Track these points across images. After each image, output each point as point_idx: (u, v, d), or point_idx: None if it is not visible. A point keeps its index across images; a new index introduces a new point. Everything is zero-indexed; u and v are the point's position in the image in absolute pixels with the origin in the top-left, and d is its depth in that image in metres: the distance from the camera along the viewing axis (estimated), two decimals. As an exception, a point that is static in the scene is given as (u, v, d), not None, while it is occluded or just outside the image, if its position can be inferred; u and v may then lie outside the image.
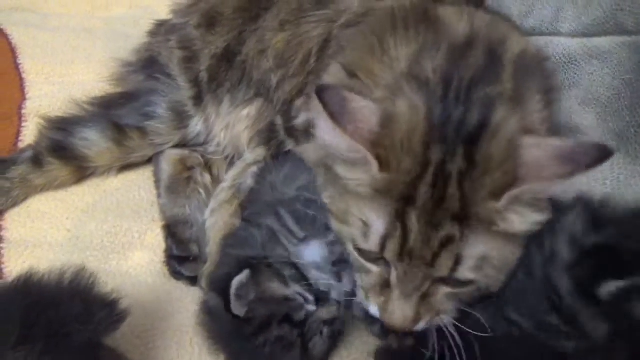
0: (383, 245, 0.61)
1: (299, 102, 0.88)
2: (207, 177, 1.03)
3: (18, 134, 1.03)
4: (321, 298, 0.73)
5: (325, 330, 0.72)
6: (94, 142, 0.95)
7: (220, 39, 0.99)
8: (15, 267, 0.84)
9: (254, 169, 0.93)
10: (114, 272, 0.86)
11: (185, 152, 1.03)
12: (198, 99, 1.00)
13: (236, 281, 0.69)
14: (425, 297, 0.63)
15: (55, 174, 0.95)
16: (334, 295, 0.73)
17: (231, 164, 1.05)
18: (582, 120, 0.82)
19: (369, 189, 0.60)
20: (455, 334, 0.63)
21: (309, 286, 0.73)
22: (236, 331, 0.70)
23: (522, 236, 0.61)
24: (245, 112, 0.98)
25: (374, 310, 0.67)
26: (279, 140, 0.92)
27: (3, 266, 0.84)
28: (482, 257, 0.59)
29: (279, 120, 0.92)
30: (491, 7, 0.94)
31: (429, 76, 0.63)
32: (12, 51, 1.20)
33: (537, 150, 0.56)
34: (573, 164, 0.54)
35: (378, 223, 0.61)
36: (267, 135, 0.94)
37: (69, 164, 0.95)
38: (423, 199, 0.58)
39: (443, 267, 0.59)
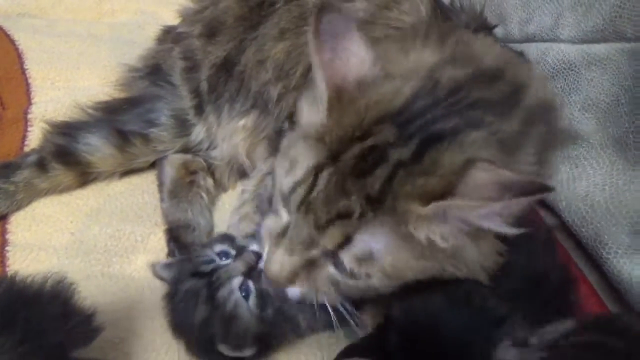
0: (294, 190, 0.60)
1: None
2: (210, 182, 1.04)
3: (24, 138, 1.04)
4: (240, 252, 0.73)
5: (250, 286, 0.70)
6: (97, 147, 0.96)
7: (220, 48, 1.00)
8: (20, 270, 0.83)
9: (269, 179, 0.92)
10: (117, 275, 0.87)
11: (188, 156, 1.04)
12: (199, 109, 1.01)
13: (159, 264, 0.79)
14: (309, 266, 0.61)
15: (59, 178, 0.95)
16: (253, 247, 0.73)
17: (235, 171, 1.06)
18: (583, 126, 0.83)
19: (314, 131, 0.60)
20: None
21: (232, 242, 0.75)
22: (165, 296, 0.75)
23: (428, 254, 0.58)
24: (241, 123, 0.99)
25: (264, 256, 0.66)
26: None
27: (8, 269, 0.85)
28: (371, 252, 0.57)
29: (286, 126, 0.92)
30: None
31: (441, 80, 0.62)
32: (19, 56, 1.21)
33: (483, 173, 0.53)
34: (505, 191, 0.51)
35: (300, 166, 0.60)
36: (276, 144, 0.93)
37: (72, 169, 0.96)
38: (345, 161, 0.57)
39: (330, 238, 0.58)
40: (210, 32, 1.02)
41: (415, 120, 0.58)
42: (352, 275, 0.59)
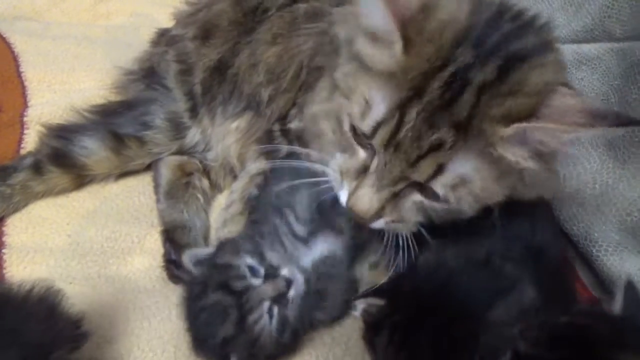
0: (375, 130, 0.59)
1: (293, 111, 0.90)
2: (206, 183, 1.05)
3: (20, 141, 1.04)
4: (271, 274, 0.72)
5: (275, 310, 0.71)
6: (92, 150, 0.97)
7: (214, 51, 1.00)
8: (16, 272, 0.85)
9: (259, 179, 0.93)
10: (114, 276, 0.87)
11: (184, 158, 1.05)
12: (194, 112, 1.02)
13: (196, 250, 0.76)
14: (395, 197, 0.62)
15: (55, 181, 0.96)
16: (284, 272, 0.73)
17: (229, 172, 1.07)
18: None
19: (386, 69, 0.58)
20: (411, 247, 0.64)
21: (262, 259, 0.73)
22: (187, 297, 0.73)
23: (511, 177, 0.59)
24: (234, 125, 1.00)
25: (343, 196, 0.65)
26: (277, 147, 0.92)
27: (5, 271, 0.85)
28: (463, 177, 0.58)
29: (276, 127, 0.93)
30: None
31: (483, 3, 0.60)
32: (15, 59, 1.22)
33: (567, 98, 0.55)
34: (594, 119, 0.52)
35: (379, 106, 0.59)
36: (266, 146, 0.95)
37: (68, 171, 0.96)
38: (431, 95, 0.56)
39: (423, 171, 0.58)
40: (204, 35, 1.03)
41: (488, 37, 0.57)
42: (444, 200, 0.60)
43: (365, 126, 0.60)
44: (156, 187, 1.03)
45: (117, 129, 0.98)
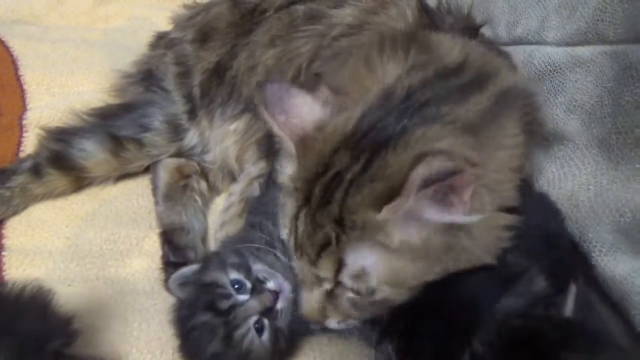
0: (288, 239, 0.64)
1: None
2: (204, 185, 1.06)
3: (19, 144, 1.05)
4: (257, 288, 0.73)
5: (265, 323, 0.72)
6: (91, 153, 0.97)
7: (213, 54, 1.01)
8: (16, 275, 0.86)
9: (258, 182, 0.95)
10: (112, 278, 0.88)
11: (182, 160, 1.06)
12: (192, 114, 1.03)
13: (181, 270, 0.76)
14: (331, 297, 0.63)
15: (54, 183, 0.97)
16: (270, 285, 0.73)
17: (227, 174, 1.08)
18: (568, 127, 0.84)
19: (291, 184, 0.64)
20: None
21: (248, 273, 0.74)
22: (177, 317, 0.75)
23: (420, 255, 0.58)
24: (233, 126, 1.00)
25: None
26: (278, 151, 0.92)
27: (4, 273, 0.86)
28: (364, 268, 0.58)
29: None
30: (485, 37, 0.96)
31: (396, 91, 0.63)
32: (14, 63, 1.22)
33: (424, 169, 0.51)
34: (415, 189, 0.51)
35: (287, 218, 0.64)
36: (266, 148, 0.95)
37: (67, 174, 0.97)
38: (315, 199, 0.59)
39: (325, 268, 0.60)
40: (203, 38, 1.03)
41: (367, 136, 0.59)
42: (359, 293, 0.60)
43: (284, 236, 0.66)
44: (154, 189, 1.03)
45: (116, 132, 0.99)
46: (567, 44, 0.86)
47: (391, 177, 0.55)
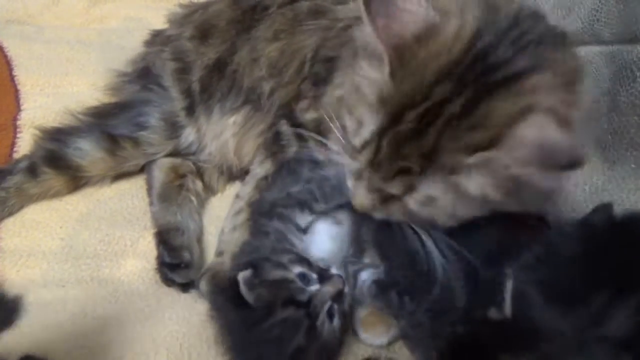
0: (363, 148, 0.64)
1: (303, 104, 0.90)
2: (199, 185, 1.05)
3: (13, 145, 1.05)
4: (324, 275, 0.74)
5: (335, 308, 0.73)
6: (87, 151, 0.97)
7: (213, 50, 1.01)
8: (10, 276, 0.85)
9: (265, 183, 0.93)
10: (107, 279, 0.87)
11: (177, 159, 1.05)
12: (190, 110, 1.02)
13: (243, 274, 0.72)
14: (386, 202, 0.66)
15: (49, 183, 0.96)
16: (334, 270, 0.75)
17: (223, 173, 1.07)
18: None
19: (375, 93, 0.61)
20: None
21: (310, 265, 0.74)
22: (244, 322, 0.72)
23: (488, 197, 0.59)
24: (232, 119, 1.00)
25: (350, 185, 0.70)
26: (285, 149, 0.92)
27: (-2, 274, 0.85)
28: (432, 197, 0.61)
29: (283, 127, 0.93)
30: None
31: (500, 5, 0.61)
32: (8, 63, 1.22)
33: (532, 129, 0.53)
34: (542, 158, 0.52)
35: (366, 129, 0.63)
36: (272, 147, 0.95)
37: (63, 173, 0.97)
38: (405, 125, 0.58)
39: (396, 188, 0.62)
40: (203, 34, 1.03)
41: (473, 67, 0.57)
42: (418, 213, 0.64)
43: (357, 143, 0.64)
44: (149, 189, 1.03)
45: (112, 130, 0.98)
46: (563, 45, 0.86)
47: (493, 125, 0.55)
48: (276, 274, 0.74)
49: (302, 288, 0.72)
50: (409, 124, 0.58)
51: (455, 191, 0.59)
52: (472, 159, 0.55)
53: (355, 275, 0.79)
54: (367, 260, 0.79)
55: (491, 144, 0.54)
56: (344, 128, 0.68)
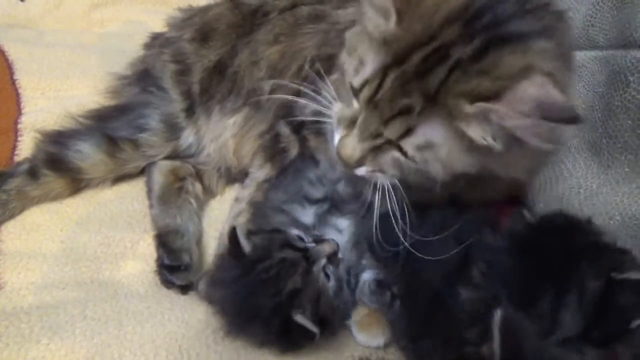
0: (363, 87, 0.64)
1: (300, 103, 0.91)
2: (199, 187, 1.06)
3: (14, 148, 1.05)
4: (319, 240, 0.77)
5: (331, 269, 0.75)
6: (87, 154, 0.98)
7: (213, 52, 1.03)
8: (10, 278, 0.85)
9: (266, 186, 0.94)
10: (107, 281, 0.88)
11: (176, 162, 1.06)
12: (190, 111, 1.03)
13: (239, 225, 0.76)
14: (375, 150, 0.66)
15: (50, 185, 0.97)
16: (328, 237, 0.78)
17: (222, 175, 1.08)
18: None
19: (380, 35, 0.62)
20: (393, 199, 0.69)
21: (306, 229, 0.79)
22: (240, 269, 0.74)
23: (479, 151, 0.61)
24: (232, 120, 1.01)
25: (336, 139, 0.71)
26: (284, 151, 0.93)
27: (-1, 277, 0.86)
28: (430, 142, 0.62)
29: (283, 128, 0.94)
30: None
31: None
32: (9, 67, 1.22)
33: (533, 87, 0.55)
34: (539, 110, 0.54)
35: (368, 67, 0.64)
36: (272, 150, 0.96)
37: (63, 175, 0.97)
38: (410, 65, 0.59)
39: (394, 130, 0.63)
40: (203, 37, 1.05)
41: (482, 17, 0.59)
42: (413, 159, 0.64)
43: (356, 82, 0.65)
44: (149, 192, 1.04)
45: (112, 133, 0.99)
46: (558, 49, 0.87)
47: (499, 76, 0.57)
48: (274, 223, 0.78)
49: (298, 238, 0.76)
50: (415, 63, 0.59)
51: (454, 137, 0.60)
52: (472, 108, 0.57)
53: (357, 276, 0.80)
54: (364, 262, 0.81)
55: (495, 95, 0.56)
56: (342, 73, 0.69)
